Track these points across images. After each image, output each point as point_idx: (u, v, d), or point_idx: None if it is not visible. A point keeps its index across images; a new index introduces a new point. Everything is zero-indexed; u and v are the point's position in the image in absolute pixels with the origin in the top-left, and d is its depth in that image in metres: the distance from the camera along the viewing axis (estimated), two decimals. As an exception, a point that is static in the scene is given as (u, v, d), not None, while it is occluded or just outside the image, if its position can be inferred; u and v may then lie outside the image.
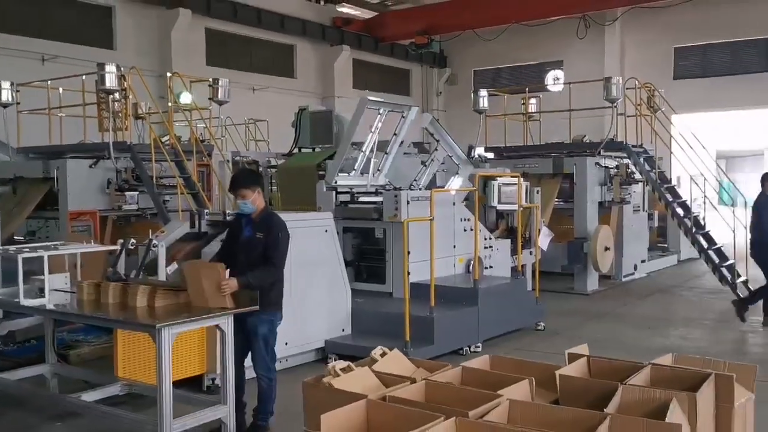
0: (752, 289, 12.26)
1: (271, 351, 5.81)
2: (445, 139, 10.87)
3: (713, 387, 4.05)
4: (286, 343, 7.44)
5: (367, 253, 9.47)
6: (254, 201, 5.67)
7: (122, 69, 10.24)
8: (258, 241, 5.63)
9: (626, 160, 13.41)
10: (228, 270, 5.29)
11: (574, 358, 4.66)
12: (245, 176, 6.08)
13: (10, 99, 11.59)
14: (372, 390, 4.09)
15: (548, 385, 4.35)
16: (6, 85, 11.58)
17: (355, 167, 10.04)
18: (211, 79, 12.19)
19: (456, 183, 10.25)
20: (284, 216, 7.70)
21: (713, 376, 4.08)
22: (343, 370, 4.28)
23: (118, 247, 6.45)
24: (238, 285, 5.30)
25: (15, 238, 10.38)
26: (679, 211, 13.12)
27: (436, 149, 11.10)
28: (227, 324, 5.14)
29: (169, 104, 11.56)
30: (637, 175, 13.43)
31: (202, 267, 5.41)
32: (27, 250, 5.93)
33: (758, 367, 4.47)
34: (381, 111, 9.86)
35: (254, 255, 5.60)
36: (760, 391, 4.37)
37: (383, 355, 4.68)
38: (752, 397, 4.33)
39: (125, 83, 10.32)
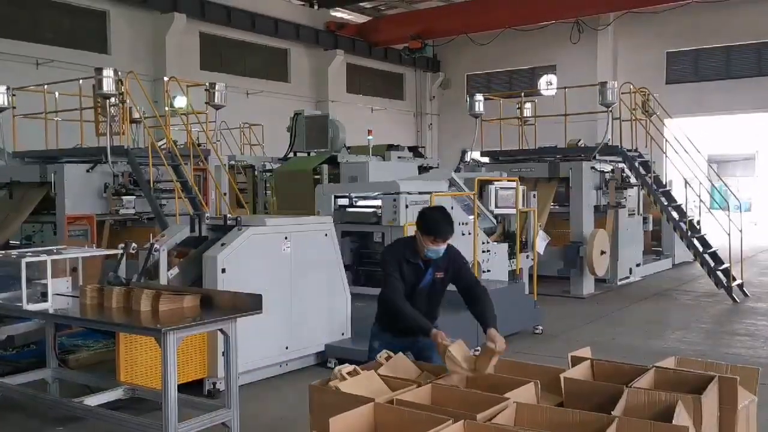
0: (747, 292, 12.39)
1: None
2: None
3: (717, 390, 4.08)
4: (287, 347, 7.46)
5: (366, 256, 9.48)
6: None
7: (119, 73, 10.23)
8: (439, 281, 5.09)
9: (621, 164, 13.47)
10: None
11: (577, 361, 4.68)
12: (450, 222, 5.04)
13: (5, 103, 11.56)
14: (378, 393, 4.11)
15: (552, 388, 4.37)
16: (1, 89, 11.55)
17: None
18: (207, 84, 12.22)
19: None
20: (284, 220, 7.78)
21: (717, 379, 4.11)
22: (350, 373, 4.30)
23: (118, 251, 6.46)
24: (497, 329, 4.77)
25: (11, 242, 10.37)
26: (675, 214, 13.20)
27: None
28: (231, 328, 5.13)
29: (166, 108, 11.56)
30: (633, 179, 13.49)
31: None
32: (30, 254, 5.92)
33: (760, 369, 4.51)
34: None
35: (437, 297, 5.19)
36: (762, 394, 4.41)
37: (388, 358, 4.70)
38: (755, 400, 4.37)
39: (122, 87, 10.32)
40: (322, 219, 8.29)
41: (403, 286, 4.97)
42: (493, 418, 3.66)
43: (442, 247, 4.95)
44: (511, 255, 10.55)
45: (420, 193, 9.87)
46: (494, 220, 10.48)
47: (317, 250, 7.81)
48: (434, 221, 4.97)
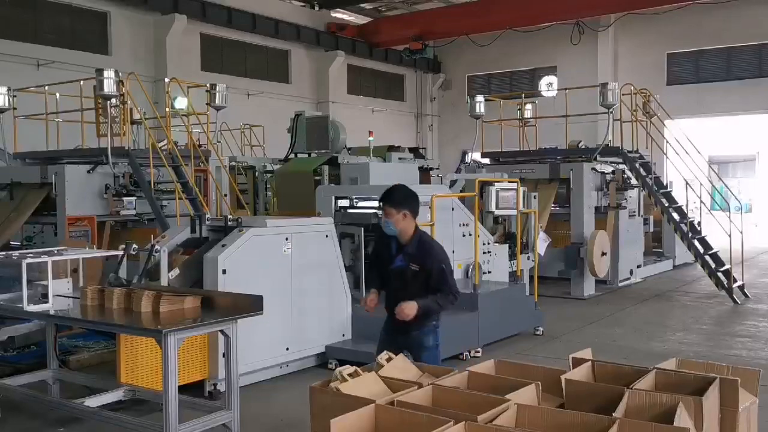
0: (748, 293, 12.38)
1: (439, 357, 5.45)
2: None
3: (718, 391, 4.07)
4: (287, 348, 7.46)
5: (367, 257, 9.47)
6: (397, 223, 5.01)
7: (120, 74, 10.24)
8: (413, 273, 5.03)
9: (622, 166, 13.47)
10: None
11: (578, 362, 4.68)
12: (393, 192, 5.13)
13: (6, 104, 11.57)
14: (379, 395, 4.10)
15: (553, 390, 4.37)
16: (2, 90, 11.56)
17: None
18: (208, 85, 12.23)
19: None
20: (285, 221, 7.78)
21: (718, 381, 4.10)
22: (350, 375, 4.29)
23: (119, 253, 6.46)
24: (418, 308, 4.90)
25: (11, 243, 10.37)
26: (675, 215, 13.19)
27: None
28: (232, 330, 5.13)
29: (168, 109, 11.57)
30: (633, 181, 13.49)
31: None
32: (30, 255, 5.93)
33: (761, 371, 4.51)
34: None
35: (412, 288, 5.06)
36: (763, 395, 4.41)
37: (389, 360, 4.70)
38: (756, 402, 4.36)
39: (123, 88, 10.32)
40: (323, 220, 8.29)
41: (372, 263, 5.35)
42: (494, 419, 3.65)
43: (387, 221, 5.04)
44: (512, 256, 10.55)
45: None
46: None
47: (318, 251, 7.82)
48: (384, 191, 5.14)
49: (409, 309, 4.91)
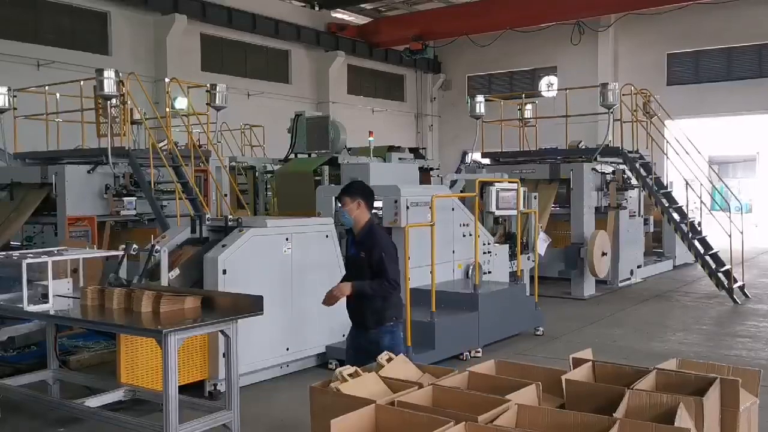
0: (748, 293, 12.37)
1: None
2: None
3: (719, 392, 4.07)
4: (288, 349, 7.46)
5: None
6: (351, 212, 5.34)
7: (120, 74, 10.24)
8: (362, 260, 5.33)
9: (622, 166, 13.47)
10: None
11: (578, 362, 4.67)
12: (350, 185, 5.53)
13: (7, 104, 11.57)
14: (380, 395, 4.10)
15: (554, 390, 4.36)
16: (2, 90, 11.56)
17: None
18: (208, 85, 12.22)
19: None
20: (285, 221, 7.78)
21: (718, 381, 4.10)
22: (351, 375, 4.29)
23: (119, 253, 6.45)
24: (351, 289, 5.20)
25: (12, 244, 10.37)
26: (676, 216, 13.19)
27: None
28: (232, 330, 5.13)
29: (168, 109, 11.56)
30: (633, 181, 13.48)
31: None
32: (31, 255, 5.92)
33: (762, 372, 4.51)
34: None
35: (365, 276, 5.30)
36: (763, 395, 4.41)
37: (389, 360, 4.69)
38: (756, 402, 4.36)
39: (123, 89, 10.32)
40: (323, 220, 8.29)
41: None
42: (494, 420, 3.65)
43: (343, 212, 5.35)
44: (512, 256, 10.55)
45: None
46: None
47: (318, 251, 7.81)
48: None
49: (338, 290, 5.24)
